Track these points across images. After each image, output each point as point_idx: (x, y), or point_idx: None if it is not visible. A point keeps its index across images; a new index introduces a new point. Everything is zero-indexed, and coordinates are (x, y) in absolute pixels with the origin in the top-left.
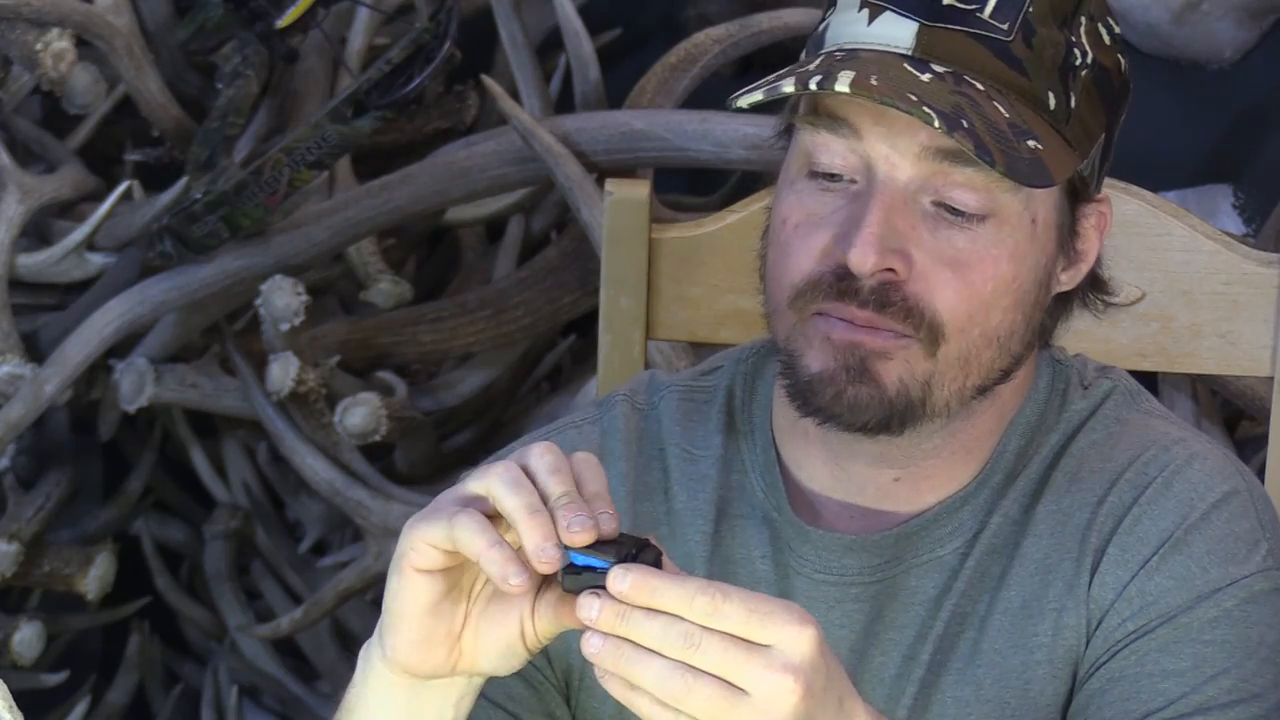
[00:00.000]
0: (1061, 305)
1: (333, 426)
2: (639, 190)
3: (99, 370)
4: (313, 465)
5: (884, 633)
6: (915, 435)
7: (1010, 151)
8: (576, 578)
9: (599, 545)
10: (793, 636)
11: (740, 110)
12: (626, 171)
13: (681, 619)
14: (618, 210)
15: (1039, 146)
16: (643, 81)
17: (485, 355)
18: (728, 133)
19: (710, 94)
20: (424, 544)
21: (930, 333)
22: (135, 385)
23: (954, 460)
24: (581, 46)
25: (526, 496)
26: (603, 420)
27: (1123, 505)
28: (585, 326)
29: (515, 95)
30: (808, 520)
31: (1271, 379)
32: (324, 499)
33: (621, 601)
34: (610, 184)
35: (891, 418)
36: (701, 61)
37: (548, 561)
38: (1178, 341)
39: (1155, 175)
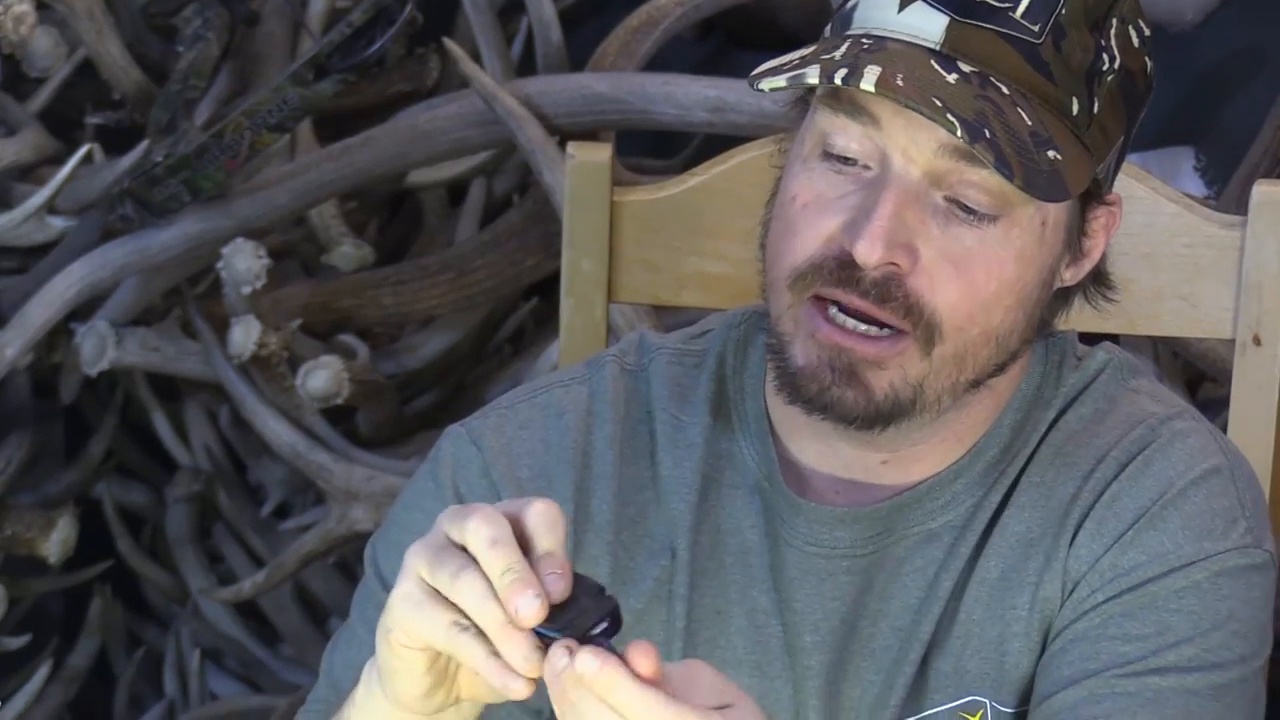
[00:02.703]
0: (1061, 298)
1: (295, 390)
2: (601, 153)
3: (60, 334)
4: (275, 429)
5: (872, 603)
6: (906, 425)
7: (1029, 164)
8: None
9: (554, 610)
10: None
11: (760, 91)
12: (588, 134)
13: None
14: (579, 173)
15: (1058, 157)
16: (605, 44)
17: (447, 318)
18: (690, 95)
19: (672, 56)
20: (415, 634)
21: (927, 330)
22: (96, 348)
23: (944, 445)
24: (543, 9)
25: (493, 611)
26: (591, 381)
27: (1104, 481)
28: (547, 289)
29: (477, 58)
30: (797, 492)
31: (1233, 341)
32: (286, 462)
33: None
34: (572, 147)
35: (878, 418)
36: (663, 24)
37: (533, 669)
38: (1139, 304)
39: None
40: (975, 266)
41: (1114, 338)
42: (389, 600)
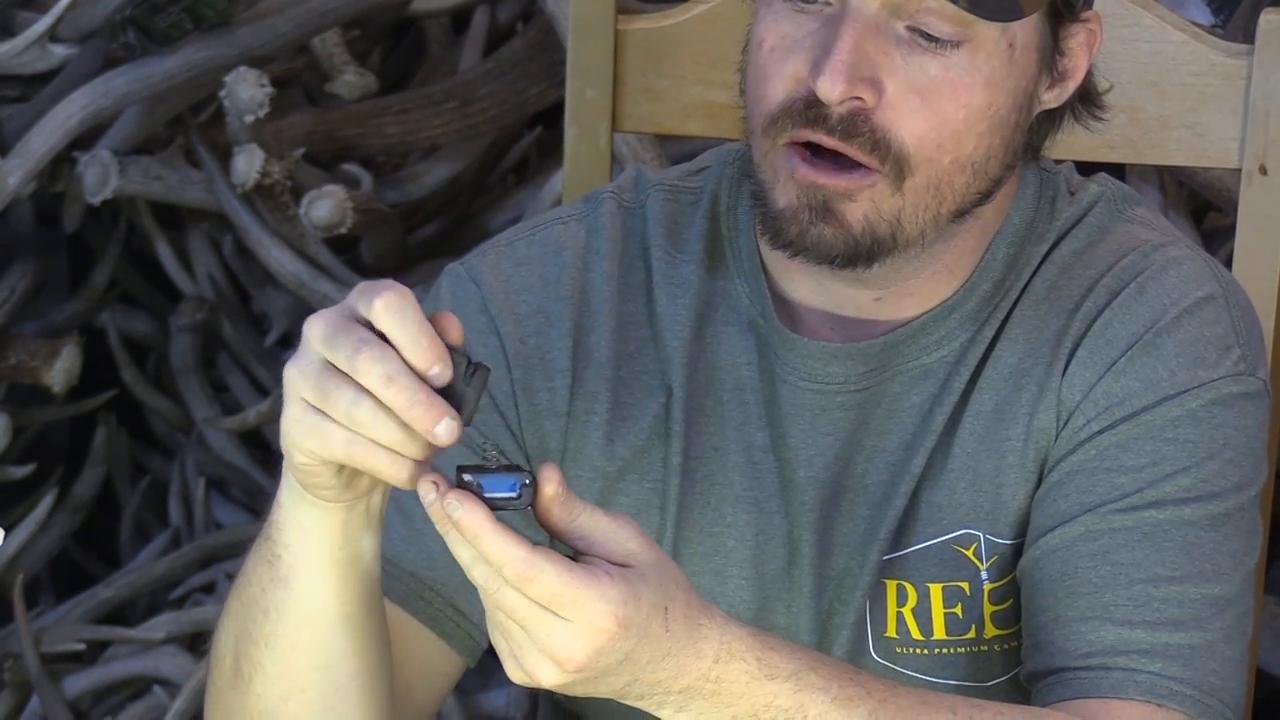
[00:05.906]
0: (1049, 120)
1: (298, 219)
2: None
3: (63, 162)
4: (278, 258)
5: (867, 439)
6: (892, 261)
7: None
8: None
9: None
10: (582, 626)
11: None
12: None
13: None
14: (584, 0)
15: None
16: None
17: (451, 147)
18: None
19: None
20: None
21: (896, 165)
22: (100, 177)
23: (935, 279)
24: None
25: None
26: (589, 218)
27: (1096, 309)
28: (552, 118)
29: None
30: (791, 329)
31: (1239, 170)
32: (290, 291)
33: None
34: None
35: (859, 254)
36: None
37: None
38: (1145, 133)
39: None
40: (942, 96)
41: (1120, 168)
42: (281, 425)
